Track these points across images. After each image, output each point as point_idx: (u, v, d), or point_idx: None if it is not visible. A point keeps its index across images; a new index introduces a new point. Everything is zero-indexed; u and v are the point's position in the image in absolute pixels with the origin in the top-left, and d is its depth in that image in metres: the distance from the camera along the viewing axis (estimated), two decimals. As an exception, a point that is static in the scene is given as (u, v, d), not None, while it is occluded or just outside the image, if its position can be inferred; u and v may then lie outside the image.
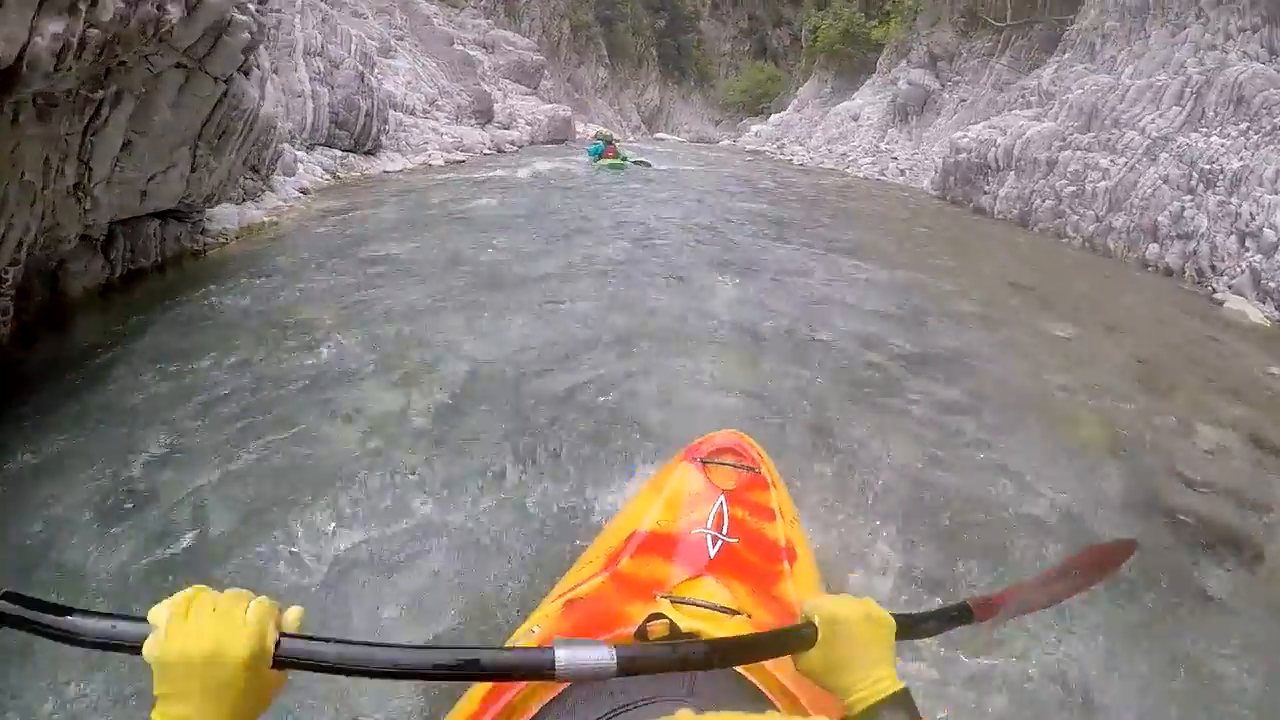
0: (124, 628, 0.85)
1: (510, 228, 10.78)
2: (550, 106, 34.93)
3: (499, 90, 33.57)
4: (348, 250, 8.79)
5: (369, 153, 17.74)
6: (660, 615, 1.45)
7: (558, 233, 10.58)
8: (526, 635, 1.69)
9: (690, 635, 1.44)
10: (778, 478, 2.45)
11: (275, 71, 15.28)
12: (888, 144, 29.98)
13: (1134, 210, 12.22)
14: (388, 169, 17.39)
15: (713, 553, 1.90)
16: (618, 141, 25.27)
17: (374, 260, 8.36)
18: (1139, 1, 15.51)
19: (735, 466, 2.38)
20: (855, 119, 33.73)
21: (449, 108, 27.91)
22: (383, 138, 19.00)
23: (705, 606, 1.64)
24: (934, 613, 1.26)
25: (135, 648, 0.83)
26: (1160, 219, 11.73)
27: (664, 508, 2.16)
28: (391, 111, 21.05)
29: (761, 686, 1.42)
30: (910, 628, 1.18)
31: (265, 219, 10.00)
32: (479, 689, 1.49)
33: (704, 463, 2.36)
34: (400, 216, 11.25)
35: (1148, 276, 11.38)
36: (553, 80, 43.84)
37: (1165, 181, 11.98)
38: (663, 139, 47.61)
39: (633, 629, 1.44)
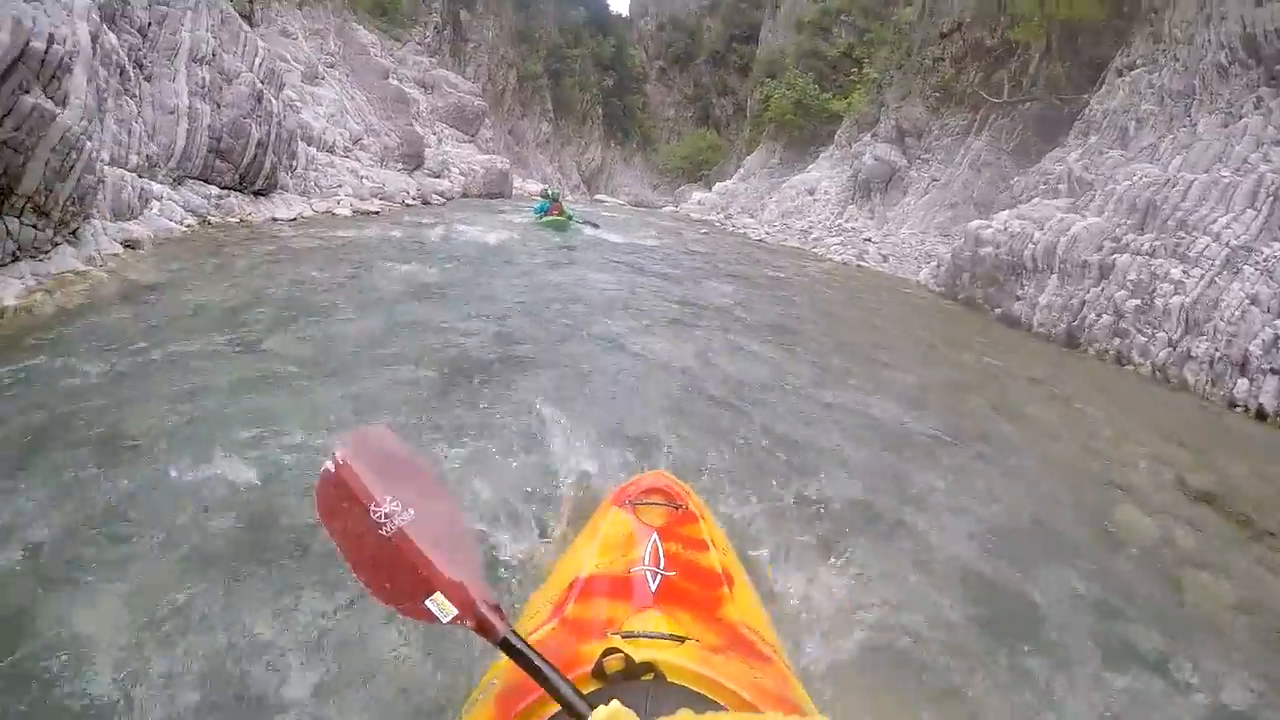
0: (577, 702, 1.25)
1: (403, 334, 7.01)
2: (487, 157, 31.84)
3: (434, 134, 30.42)
4: (105, 381, 4.89)
5: (260, 193, 14.30)
6: (614, 650, 1.51)
7: (468, 356, 6.57)
8: (488, 686, 1.67)
9: (645, 665, 1.51)
10: (705, 511, 2.52)
11: (148, 79, 11.85)
12: (847, 221, 27.58)
13: (1218, 336, 9.41)
14: (278, 215, 13.89)
15: (654, 587, 1.94)
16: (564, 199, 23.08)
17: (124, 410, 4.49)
18: (1183, 85, 12.96)
19: (663, 505, 2.41)
20: (811, 193, 31.30)
21: (375, 148, 24.68)
22: (284, 175, 15.73)
23: (655, 637, 1.67)
24: None
25: (578, 716, 1.21)
26: (1251, 348, 8.94)
27: (600, 551, 2.17)
28: (304, 146, 17.89)
29: (720, 700, 1.49)
30: None
31: (25, 298, 6.29)
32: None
33: (633, 504, 2.41)
34: (247, 297, 7.58)
35: (1240, 422, 8.51)
36: (493, 130, 40.82)
37: (1254, 302, 9.23)
38: (603, 200, 45.05)
39: (589, 667, 1.51)
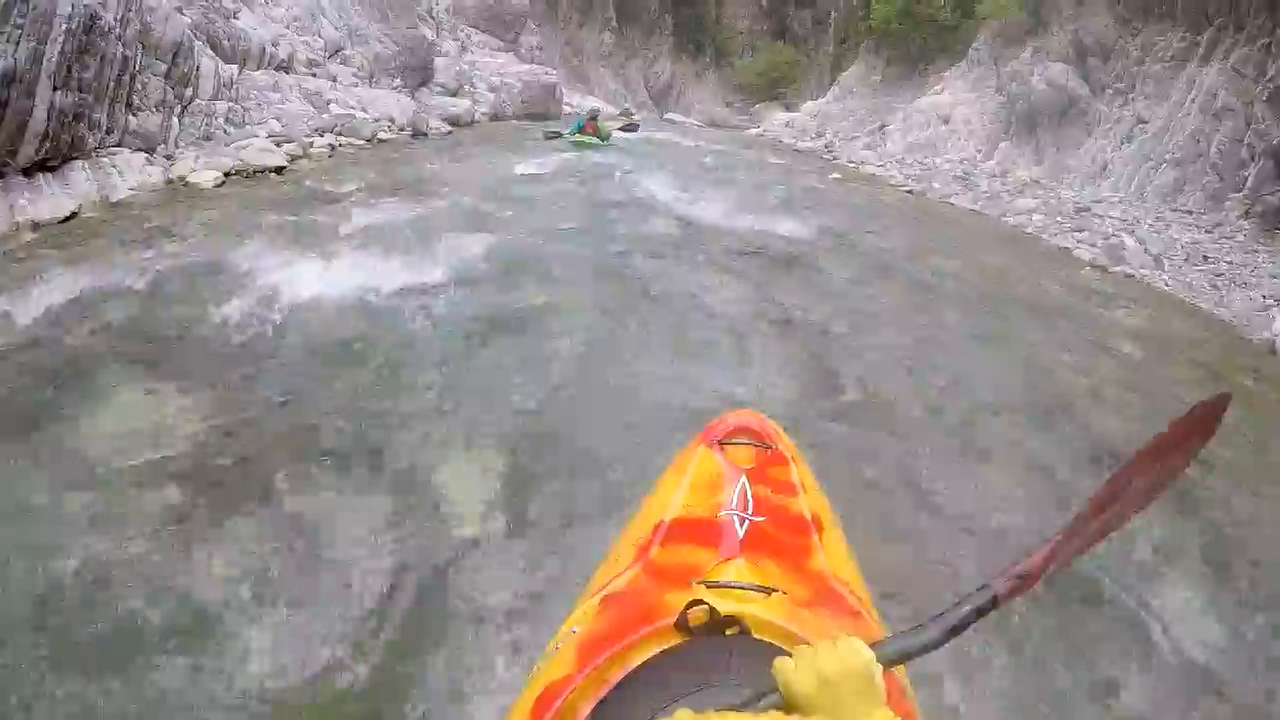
0: None
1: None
2: (527, 68, 23.82)
3: (454, 40, 22.44)
4: None
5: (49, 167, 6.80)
6: (699, 601, 1.42)
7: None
8: (567, 636, 1.55)
9: (729, 618, 1.42)
10: (796, 453, 2.28)
11: None
12: (999, 163, 19.43)
13: None
14: (127, 187, 7.53)
15: (741, 534, 1.81)
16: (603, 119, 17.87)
17: None
18: None
19: (753, 445, 2.22)
20: (945, 121, 22.96)
21: (361, 59, 16.86)
22: (177, 115, 9.31)
23: (741, 588, 1.56)
24: (939, 618, 1.11)
25: None
26: None
27: (688, 493, 2.01)
28: (221, 67, 11.66)
29: None
30: (904, 651, 1.07)
31: None
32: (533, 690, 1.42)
33: (721, 444, 2.20)
34: None
35: None
36: (541, 37, 32.51)
37: None
38: (675, 120, 36.06)
39: (673, 619, 1.41)
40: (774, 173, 15.87)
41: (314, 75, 15.68)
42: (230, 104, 12.15)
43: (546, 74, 23.94)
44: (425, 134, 15.41)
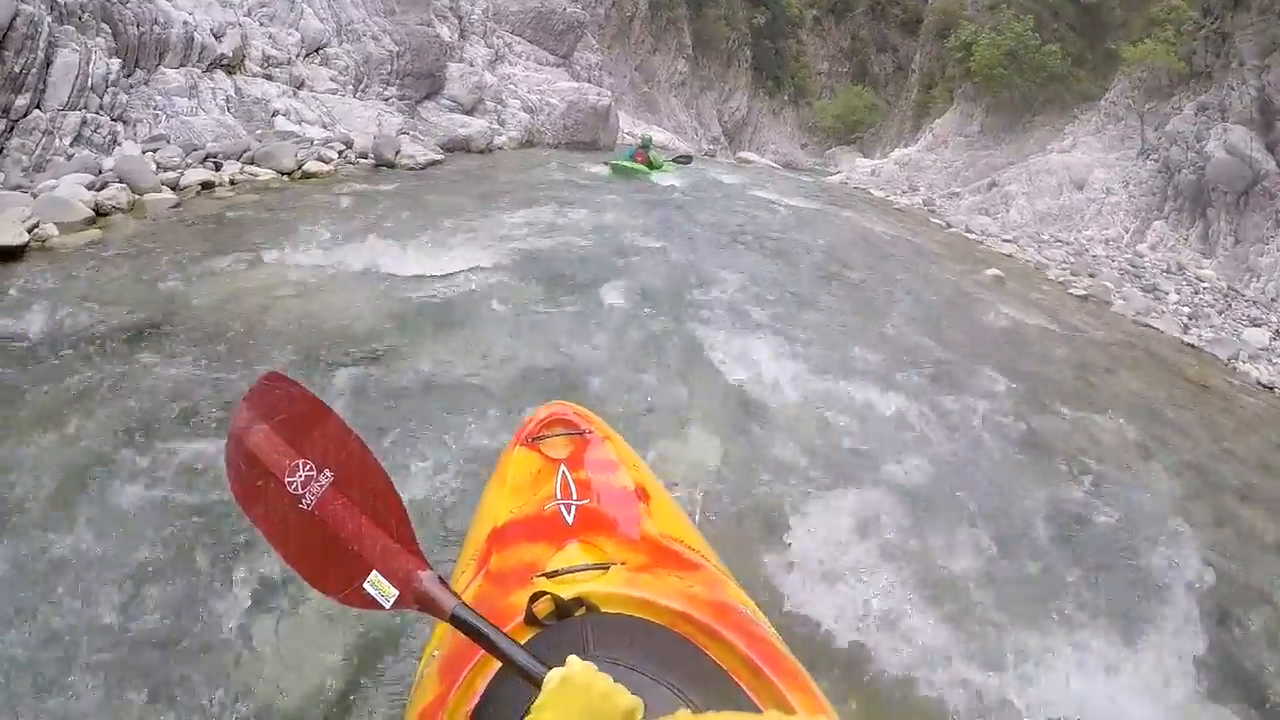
0: (534, 668, 1.04)
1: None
2: (574, 86, 19.41)
3: (486, 46, 18.09)
4: None
5: None
6: (541, 593, 1.43)
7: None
8: (430, 660, 1.52)
9: (575, 600, 1.43)
10: (610, 431, 2.29)
11: None
12: (1157, 248, 14.73)
13: None
14: None
15: (570, 519, 1.82)
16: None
17: None
18: None
19: (566, 434, 2.20)
20: (1079, 187, 18.05)
21: (346, 60, 12.67)
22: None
23: (579, 570, 1.59)
24: None
25: (535, 682, 1.01)
26: None
27: (511, 495, 1.99)
28: (101, 62, 8.65)
29: (716, 659, 1.40)
30: None
31: None
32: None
33: (534, 440, 2.18)
34: None
35: None
36: (606, 57, 28.19)
37: None
38: (749, 160, 31.30)
39: (521, 617, 1.42)
40: (893, 257, 10.83)
41: (269, 78, 11.46)
42: (92, 114, 8.16)
43: (598, 94, 19.44)
44: (392, 164, 10.94)
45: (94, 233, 6.38)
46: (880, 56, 58.14)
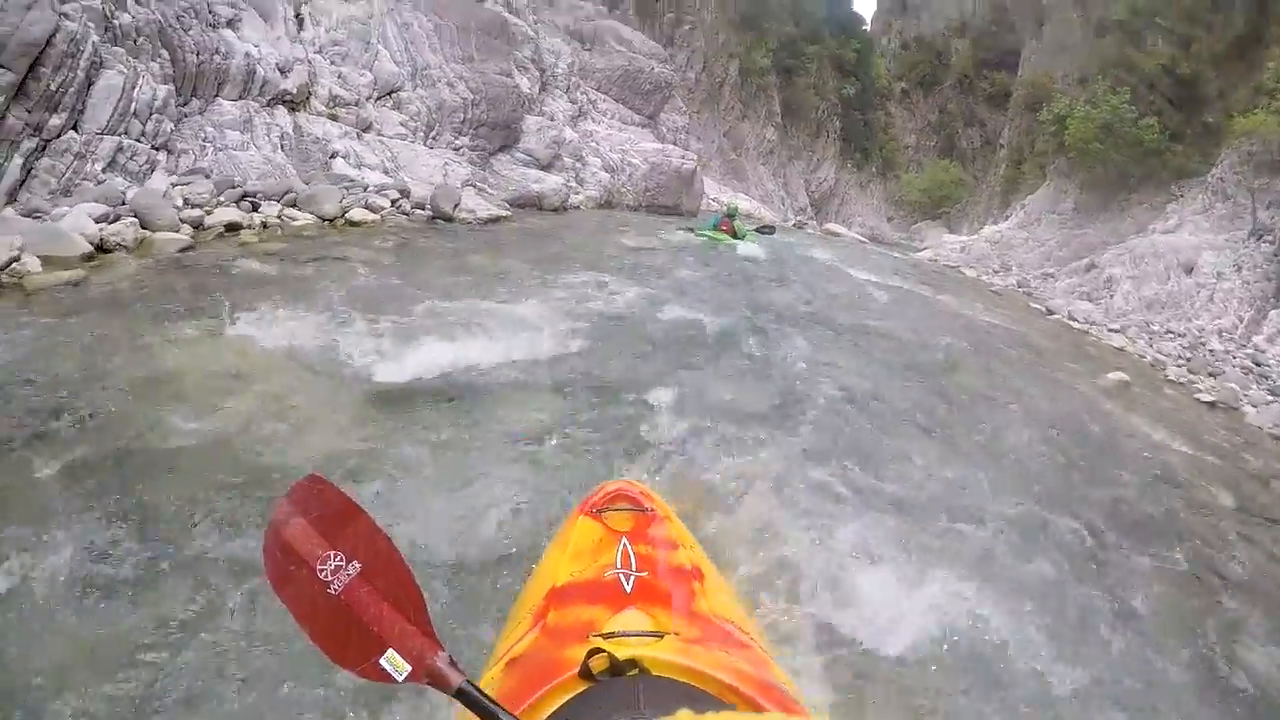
0: None
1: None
2: (658, 147, 18.35)
3: (569, 101, 17.16)
4: None
5: None
6: (598, 650, 1.44)
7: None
8: None
9: (629, 662, 1.44)
10: (670, 512, 2.30)
11: None
12: (1272, 339, 12.86)
13: None
14: None
15: (629, 588, 1.84)
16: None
17: None
18: None
19: (629, 510, 2.23)
20: (1188, 271, 16.19)
21: (418, 106, 11.76)
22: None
23: (635, 635, 1.60)
24: None
25: None
26: None
27: (572, 559, 2.01)
28: (149, 88, 8.05)
29: (706, 689, 1.44)
30: None
31: None
32: None
33: (599, 512, 2.20)
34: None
35: None
36: (693, 121, 27.29)
37: None
38: (837, 233, 29.95)
39: (576, 670, 1.43)
40: (1002, 353, 9.31)
41: (334, 118, 10.57)
42: (132, 140, 7.55)
43: (683, 157, 18.42)
44: (450, 218, 9.85)
45: (78, 273, 5.60)
46: (968, 130, 56.58)
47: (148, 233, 6.55)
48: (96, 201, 6.59)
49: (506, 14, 14.79)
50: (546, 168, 14.13)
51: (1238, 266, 15.35)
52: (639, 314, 7.03)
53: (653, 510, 2.21)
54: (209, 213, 7.44)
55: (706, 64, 34.95)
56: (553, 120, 15.34)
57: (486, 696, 1.17)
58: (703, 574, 1.97)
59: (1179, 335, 13.68)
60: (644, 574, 1.87)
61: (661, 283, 8.52)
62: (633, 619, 1.66)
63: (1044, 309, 15.18)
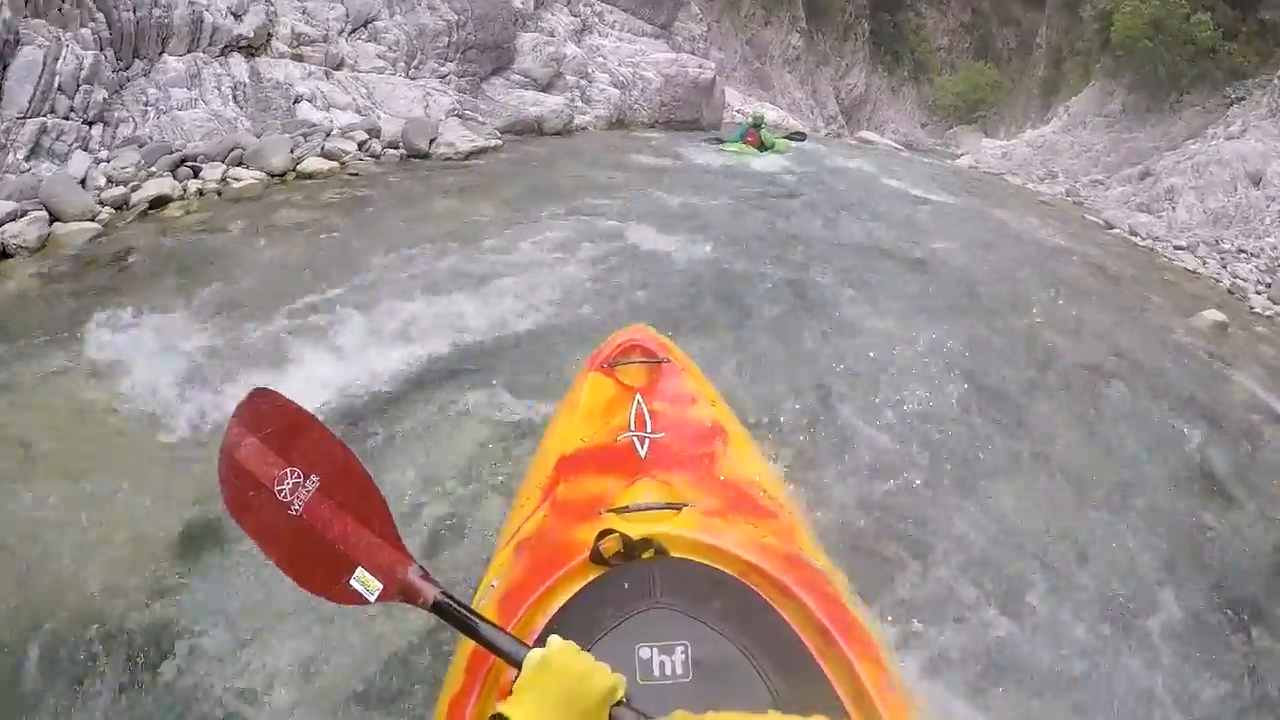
0: (513, 649, 1.03)
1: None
2: (672, 57, 16.78)
3: (571, 14, 15.70)
4: None
5: None
6: (609, 531, 1.37)
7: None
8: (488, 591, 1.47)
9: (644, 541, 1.36)
10: (689, 363, 2.19)
11: None
12: None
13: None
14: None
15: (643, 453, 1.72)
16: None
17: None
18: None
19: (643, 362, 2.11)
20: (1256, 182, 14.64)
21: (394, 35, 10.50)
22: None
23: (649, 508, 1.49)
24: None
25: (517, 664, 0.99)
26: None
27: (583, 423, 1.90)
28: (75, 55, 6.77)
29: (728, 570, 1.35)
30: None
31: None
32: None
33: (611, 366, 2.09)
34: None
35: None
36: (708, 26, 25.56)
37: None
38: (870, 140, 27.41)
39: (586, 554, 1.36)
40: (1070, 284, 7.80)
41: (298, 59, 9.40)
42: (58, 119, 6.82)
43: (700, 66, 16.79)
44: (426, 155, 8.62)
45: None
46: (1003, 31, 53.39)
47: (50, 229, 5.47)
48: (9, 198, 5.51)
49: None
50: (546, 88, 12.77)
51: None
52: (640, 269, 5.80)
53: (669, 360, 2.07)
54: (135, 188, 6.36)
55: (725, -33, 32.82)
56: (552, 36, 13.85)
57: (465, 607, 1.11)
58: (725, 432, 1.85)
59: (1253, 255, 12.29)
60: (660, 435, 1.75)
61: (666, 217, 7.25)
62: (648, 490, 1.55)
63: (1101, 222, 13.86)
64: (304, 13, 10.28)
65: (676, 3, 20.65)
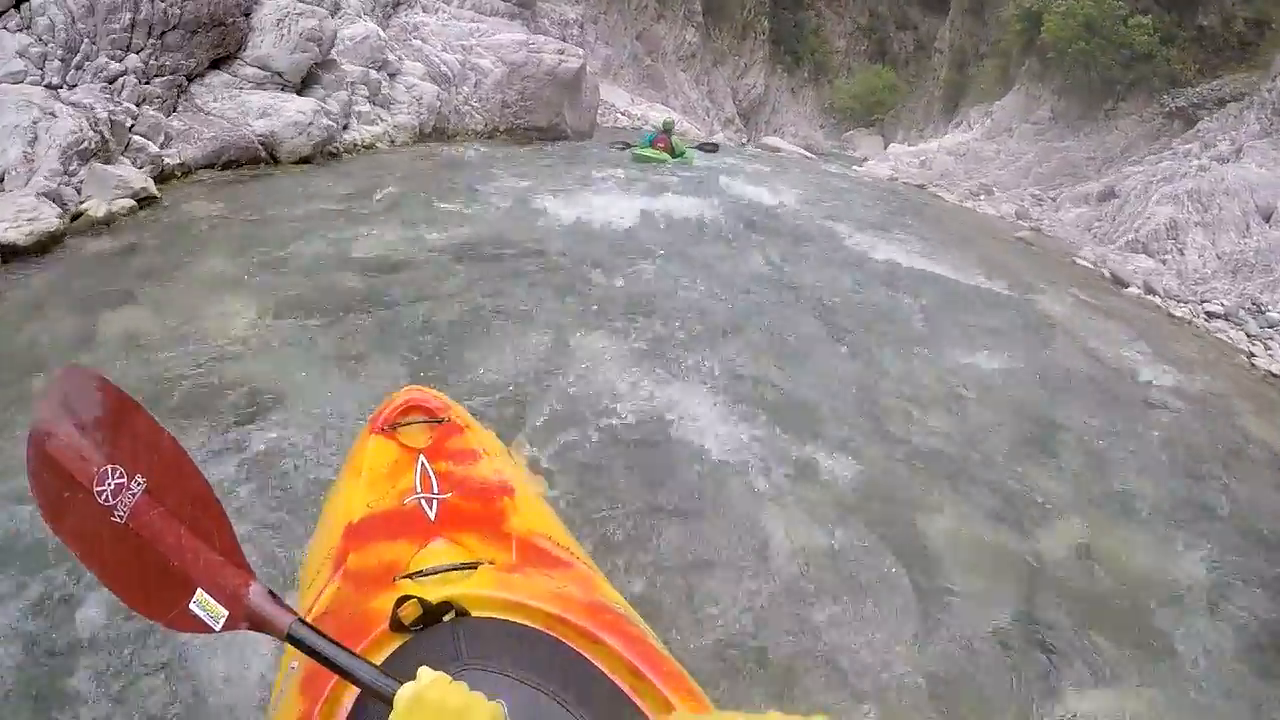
0: (382, 684, 0.89)
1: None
2: (524, 39, 12.37)
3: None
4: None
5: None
6: (407, 597, 1.26)
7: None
8: (290, 674, 1.33)
9: (444, 604, 1.26)
10: (470, 420, 2.07)
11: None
12: None
13: None
14: None
15: (433, 515, 1.62)
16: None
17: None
18: None
19: (424, 422, 1.97)
20: (1267, 218, 11.28)
21: (46, 21, 5.63)
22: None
23: (445, 570, 1.42)
24: None
25: (386, 700, 0.87)
26: None
27: (367, 489, 1.74)
28: None
29: (531, 623, 1.29)
30: None
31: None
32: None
33: (391, 428, 1.93)
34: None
35: None
36: (584, 12, 21.61)
37: None
38: (777, 148, 24.36)
39: (386, 624, 1.25)
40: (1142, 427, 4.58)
41: None
42: None
43: (562, 53, 12.41)
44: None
45: None
46: (900, 34, 52.67)
47: None
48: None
49: None
50: (302, 88, 8.18)
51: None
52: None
53: (450, 420, 1.96)
54: None
55: (614, -42, 28.75)
56: (315, 7, 9.09)
57: (324, 636, 0.96)
58: (512, 488, 1.76)
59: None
60: (447, 495, 1.66)
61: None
62: (441, 552, 1.49)
63: (1107, 275, 10.75)
64: None
65: (537, -23, 16.23)
